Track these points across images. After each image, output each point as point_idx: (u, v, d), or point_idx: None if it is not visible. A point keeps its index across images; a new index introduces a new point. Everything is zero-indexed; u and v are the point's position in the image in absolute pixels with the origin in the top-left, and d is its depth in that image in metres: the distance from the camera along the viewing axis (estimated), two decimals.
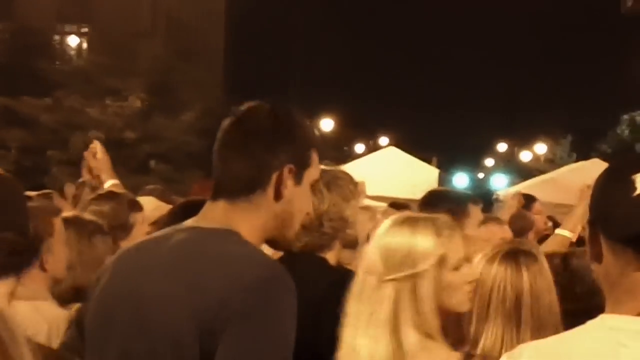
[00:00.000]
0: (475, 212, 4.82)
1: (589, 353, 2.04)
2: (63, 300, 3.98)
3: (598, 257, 2.13)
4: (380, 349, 3.16)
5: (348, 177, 4.28)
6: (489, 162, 59.79)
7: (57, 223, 4.01)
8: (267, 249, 2.77)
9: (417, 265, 3.19)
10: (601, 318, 2.11)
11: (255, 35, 49.02)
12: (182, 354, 2.31)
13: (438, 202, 4.82)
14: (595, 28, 55.83)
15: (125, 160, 28.65)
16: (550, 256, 3.93)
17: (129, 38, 33.53)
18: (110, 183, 6.18)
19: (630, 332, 2.03)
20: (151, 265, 2.48)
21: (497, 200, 15.15)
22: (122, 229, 5.04)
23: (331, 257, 4.07)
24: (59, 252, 3.96)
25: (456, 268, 3.27)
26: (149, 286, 2.43)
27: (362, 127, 50.50)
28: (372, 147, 41.05)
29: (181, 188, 21.89)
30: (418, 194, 5.09)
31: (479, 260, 3.65)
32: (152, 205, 6.50)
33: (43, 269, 3.88)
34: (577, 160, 25.54)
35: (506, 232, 5.65)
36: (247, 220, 2.55)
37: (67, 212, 4.67)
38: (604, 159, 18.04)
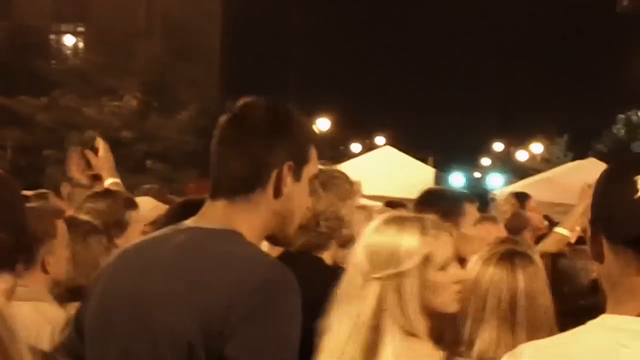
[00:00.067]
0: (471, 211, 4.81)
1: (589, 353, 2.04)
2: (58, 301, 3.98)
3: (599, 257, 2.13)
4: (359, 345, 3.16)
5: (344, 177, 4.28)
6: (486, 161, 59.78)
7: (60, 224, 4.01)
8: (264, 246, 2.77)
9: (402, 264, 3.19)
10: (602, 318, 2.11)
11: (252, 34, 49.00)
12: (185, 355, 2.30)
13: (434, 201, 4.81)
14: (591, 28, 55.85)
15: (121, 160, 28.50)
16: (539, 256, 3.93)
17: (126, 37, 33.55)
18: (110, 181, 6.16)
19: (630, 332, 2.03)
20: (153, 266, 2.46)
21: (493, 199, 15.16)
22: (118, 226, 5.03)
23: (327, 256, 4.07)
24: (60, 254, 3.95)
25: (443, 268, 3.25)
26: (151, 287, 2.42)
27: (358, 126, 50.51)
28: (369, 147, 40.99)
29: (178, 187, 21.92)
30: (414, 193, 5.08)
31: (474, 261, 3.65)
32: (149, 205, 6.49)
33: (44, 270, 3.88)
34: (573, 160, 25.50)
35: (501, 231, 5.66)
36: (247, 220, 2.53)
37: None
38: (600, 159, 18.05)
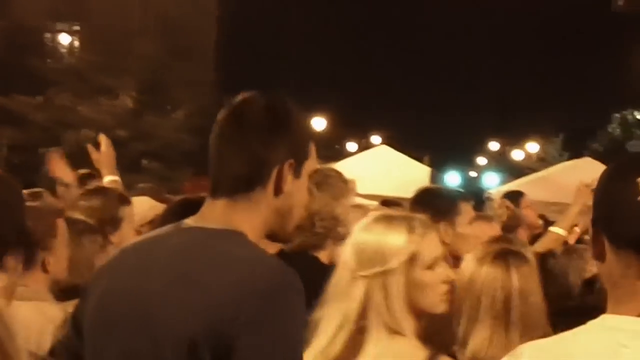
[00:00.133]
0: (467, 210, 4.82)
1: (589, 353, 2.04)
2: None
3: (601, 256, 2.13)
4: (344, 343, 3.17)
5: (338, 175, 4.28)
6: (481, 160, 59.86)
7: (60, 224, 4.00)
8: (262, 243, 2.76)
9: (388, 263, 3.19)
10: (602, 318, 2.11)
11: (247, 33, 48.97)
12: (186, 355, 2.28)
13: (430, 199, 4.82)
14: (586, 27, 55.89)
15: (117, 159, 28.53)
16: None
17: (121, 36, 33.49)
18: (109, 179, 6.15)
19: (630, 333, 2.03)
20: (154, 265, 2.44)
21: (489, 198, 15.16)
22: (112, 223, 5.02)
23: (324, 256, 4.07)
24: (61, 253, 3.95)
25: (430, 267, 3.26)
26: (152, 287, 2.39)
27: (354, 125, 50.51)
28: (364, 146, 40.98)
29: (173, 186, 21.90)
30: (410, 193, 5.08)
31: (468, 260, 3.65)
32: (147, 205, 6.49)
33: (45, 270, 3.87)
34: (569, 159, 25.54)
35: (496, 230, 5.66)
36: (248, 218, 2.51)
37: None
38: (596, 158, 18.08)
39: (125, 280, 2.48)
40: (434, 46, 64.33)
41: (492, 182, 31.76)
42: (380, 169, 15.24)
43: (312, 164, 2.64)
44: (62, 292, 4.02)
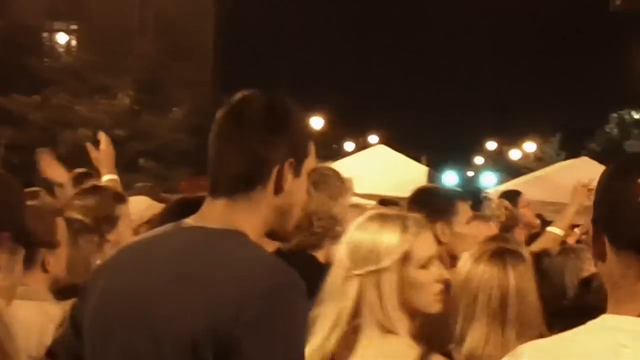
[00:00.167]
0: (464, 209, 4.83)
1: (589, 353, 2.04)
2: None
3: (601, 256, 2.13)
4: (338, 341, 3.17)
5: (335, 174, 4.28)
6: (479, 160, 59.94)
7: (60, 223, 4.00)
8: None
9: (381, 261, 3.20)
10: (602, 318, 2.11)
11: (245, 33, 48.94)
12: (188, 356, 2.27)
13: (427, 199, 4.83)
14: (584, 27, 55.90)
15: (115, 158, 28.50)
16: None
17: (119, 36, 33.43)
18: (107, 177, 6.14)
19: (631, 333, 2.03)
20: (156, 265, 2.43)
21: (486, 198, 15.15)
22: (108, 222, 5.01)
23: (321, 255, 4.07)
24: (61, 253, 3.95)
25: (424, 266, 3.26)
26: (155, 287, 2.38)
27: (351, 125, 50.51)
28: (362, 145, 40.99)
29: (171, 185, 21.90)
30: (407, 192, 5.08)
31: (465, 258, 3.66)
32: (144, 204, 6.48)
33: (44, 269, 3.87)
34: (566, 159, 25.52)
35: (492, 230, 5.67)
36: (248, 218, 2.50)
37: None
38: (593, 158, 18.06)
39: (126, 279, 2.47)
40: (431, 46, 64.33)
41: (490, 182, 31.82)
42: (377, 169, 15.23)
43: (311, 162, 2.63)
44: (60, 292, 4.02)
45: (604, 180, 2.17)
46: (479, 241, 3.84)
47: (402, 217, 3.33)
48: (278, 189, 2.52)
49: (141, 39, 33.82)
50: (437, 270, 3.30)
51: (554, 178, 14.42)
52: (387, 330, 3.16)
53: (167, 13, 36.53)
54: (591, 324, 2.10)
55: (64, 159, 6.82)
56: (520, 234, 7.77)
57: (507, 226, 7.28)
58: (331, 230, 4.06)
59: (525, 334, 3.50)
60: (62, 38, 39.23)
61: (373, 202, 9.22)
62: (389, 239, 3.23)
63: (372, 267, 3.20)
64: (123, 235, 5.03)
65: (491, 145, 59.05)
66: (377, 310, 3.16)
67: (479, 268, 3.58)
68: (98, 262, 4.21)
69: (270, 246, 3.52)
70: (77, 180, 6.90)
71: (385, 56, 66.80)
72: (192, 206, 2.60)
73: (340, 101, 46.15)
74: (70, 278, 4.05)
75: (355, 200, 6.36)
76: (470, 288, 3.56)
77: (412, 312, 3.24)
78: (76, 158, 8.04)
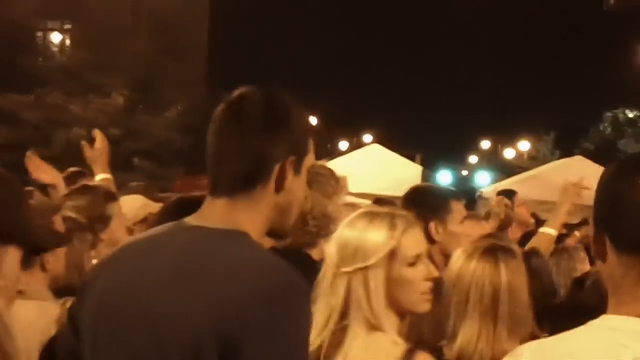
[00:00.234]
0: (458, 208, 4.83)
1: (590, 353, 2.04)
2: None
3: (602, 256, 2.13)
4: (327, 338, 3.18)
5: (329, 173, 4.28)
6: (473, 159, 59.99)
7: (58, 221, 3.99)
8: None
9: (368, 259, 3.21)
10: (602, 318, 2.11)
11: (239, 32, 48.93)
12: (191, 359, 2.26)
13: (421, 198, 4.83)
14: (578, 25, 55.95)
15: (109, 157, 28.48)
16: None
17: (112, 35, 33.37)
18: (101, 177, 6.11)
19: (631, 333, 2.03)
20: (159, 266, 2.40)
21: (480, 197, 15.19)
22: (101, 221, 4.99)
23: (315, 254, 4.08)
24: (60, 252, 3.94)
25: (411, 264, 3.26)
26: (159, 289, 2.36)
27: (345, 124, 50.58)
28: (356, 145, 41.03)
29: (165, 185, 21.88)
30: (402, 191, 5.09)
31: (458, 255, 3.67)
32: (139, 203, 6.48)
33: (43, 268, 3.86)
34: (560, 158, 25.57)
35: (485, 229, 5.69)
36: (250, 217, 2.48)
37: None
38: (587, 156, 18.13)
39: (128, 279, 2.45)
40: (427, 45, 64.37)
41: (484, 181, 31.81)
42: (372, 168, 15.25)
43: (310, 159, 2.61)
44: (59, 291, 4.02)
45: (605, 180, 2.16)
46: (472, 240, 3.85)
47: (391, 215, 3.33)
48: (279, 187, 2.51)
49: (135, 38, 33.74)
50: (424, 268, 3.30)
51: (548, 177, 14.46)
52: (374, 327, 3.17)
53: (161, 12, 36.45)
54: (591, 324, 2.10)
55: (57, 158, 6.80)
56: (515, 233, 7.79)
57: (502, 225, 7.30)
58: (325, 228, 4.06)
59: (517, 331, 3.51)
60: (56, 37, 39.17)
61: (368, 202, 9.23)
62: (376, 236, 3.25)
63: (359, 265, 3.21)
64: (117, 233, 5.02)
65: (485, 144, 59.12)
66: (364, 307, 3.17)
67: (471, 265, 3.59)
68: (94, 261, 4.22)
69: (266, 244, 3.52)
70: (70, 179, 6.89)
71: (380, 55, 66.82)
72: (190, 205, 2.58)
73: (334, 100, 46.19)
74: (63, 276, 4.05)
75: (350, 199, 6.36)
76: (462, 284, 3.58)
77: (400, 310, 3.24)
78: (70, 157, 8.02)
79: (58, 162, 7.15)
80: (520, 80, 60.46)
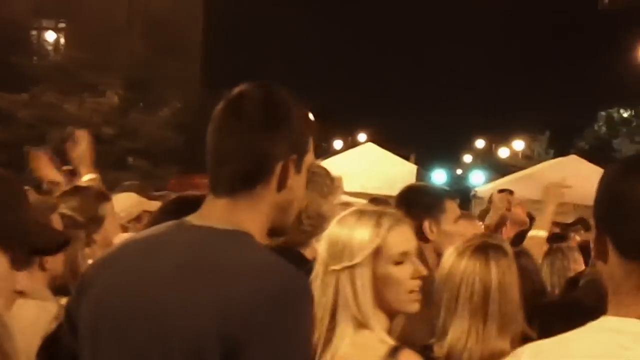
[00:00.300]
0: (452, 208, 4.83)
1: (590, 354, 2.03)
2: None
3: (603, 257, 2.11)
4: (318, 336, 3.18)
5: (325, 172, 4.29)
6: (467, 158, 59.97)
7: (56, 219, 3.98)
8: None
9: (354, 257, 3.22)
10: (602, 320, 2.10)
11: (234, 30, 48.91)
12: None
13: (415, 197, 4.84)
14: (572, 25, 55.97)
15: (103, 156, 28.47)
16: None
17: (107, 33, 33.34)
18: (88, 177, 6.13)
19: (632, 335, 2.02)
20: (163, 266, 2.38)
21: (475, 196, 15.21)
22: (94, 222, 4.97)
23: (308, 253, 4.08)
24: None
25: (397, 262, 3.26)
26: (164, 290, 2.34)
27: (340, 123, 50.54)
28: (351, 144, 41.04)
29: (160, 184, 21.84)
30: (396, 190, 5.09)
31: (449, 253, 3.68)
32: (132, 201, 6.48)
33: (43, 268, 3.85)
34: (554, 157, 25.62)
35: (477, 228, 5.71)
36: (252, 217, 2.47)
37: None
38: (582, 156, 18.17)
39: (129, 277, 2.43)
40: (421, 45, 64.39)
41: (478, 180, 31.87)
42: (366, 167, 15.27)
43: (310, 158, 2.59)
44: (57, 289, 4.02)
45: (608, 181, 2.14)
46: (465, 239, 3.86)
47: (378, 213, 3.33)
48: (281, 186, 2.49)
49: (129, 37, 33.73)
50: (412, 266, 3.29)
51: (542, 176, 14.45)
52: (361, 325, 3.17)
53: (155, 11, 36.45)
54: (591, 325, 2.10)
55: (51, 157, 6.78)
56: (509, 232, 7.80)
57: (497, 224, 7.30)
58: (319, 228, 4.06)
59: (507, 329, 3.52)
60: (50, 36, 39.15)
61: (364, 201, 9.24)
62: (362, 234, 3.25)
63: (346, 263, 3.22)
64: (110, 233, 5.01)
65: (480, 143, 59.13)
66: (351, 305, 3.18)
67: (462, 263, 3.60)
68: (89, 261, 4.21)
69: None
70: (69, 178, 6.88)
71: (375, 55, 66.84)
72: (189, 205, 2.57)
73: (329, 99, 46.20)
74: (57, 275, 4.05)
75: (345, 198, 6.37)
76: (452, 282, 3.59)
77: (389, 309, 3.25)
78: (64, 156, 7.99)
79: (52, 161, 7.13)
80: (514, 80, 60.53)
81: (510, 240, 6.85)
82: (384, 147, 17.34)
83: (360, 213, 3.33)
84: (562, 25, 58.23)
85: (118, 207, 5.46)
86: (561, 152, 30.31)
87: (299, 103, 2.59)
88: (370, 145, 18.30)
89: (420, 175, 16.59)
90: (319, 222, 4.10)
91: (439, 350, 3.54)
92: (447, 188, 5.79)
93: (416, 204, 4.67)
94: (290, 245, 4.04)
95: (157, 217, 3.49)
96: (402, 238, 3.29)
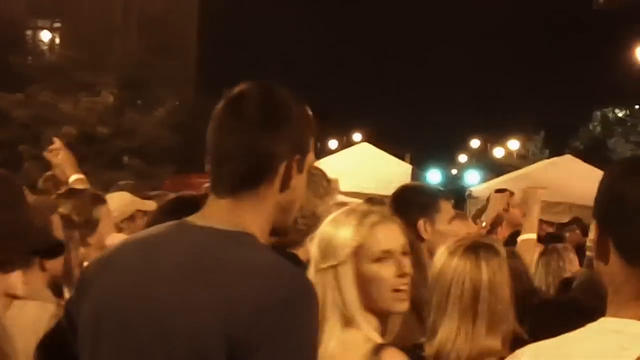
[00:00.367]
0: (447, 208, 4.84)
1: (590, 355, 2.03)
2: None
3: (604, 257, 2.10)
4: None
5: (322, 174, 4.29)
6: (462, 158, 60.02)
7: (56, 220, 3.97)
8: None
9: (338, 256, 3.24)
10: (601, 321, 2.10)
11: (229, 30, 48.88)
12: None
13: (410, 196, 4.85)
14: (567, 25, 55.99)
15: (98, 156, 28.50)
16: None
17: (102, 33, 33.31)
18: (75, 177, 6.15)
19: (631, 336, 2.02)
20: (168, 266, 2.36)
21: (470, 196, 15.20)
22: (88, 225, 4.94)
23: (301, 253, 4.08)
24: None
25: (378, 259, 3.26)
26: (170, 290, 2.32)
27: (335, 123, 50.53)
28: (346, 143, 41.06)
29: (155, 183, 21.83)
30: (391, 190, 5.10)
31: (441, 252, 3.69)
32: (126, 201, 6.47)
33: (43, 268, 3.84)
34: (549, 157, 25.63)
35: (471, 228, 5.72)
36: (255, 217, 2.44)
37: None
38: (576, 155, 18.20)
39: (132, 277, 2.41)
40: (416, 44, 64.38)
41: (473, 180, 31.84)
42: (361, 167, 15.26)
43: (312, 157, 2.59)
44: (56, 290, 4.02)
45: (609, 181, 2.13)
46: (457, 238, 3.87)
47: (363, 212, 3.35)
48: (285, 187, 2.47)
49: (125, 36, 33.72)
50: (393, 264, 3.29)
51: (537, 176, 14.47)
52: (348, 323, 3.18)
53: (150, 11, 36.41)
54: (590, 327, 2.09)
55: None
56: (504, 232, 7.79)
57: (493, 224, 7.30)
58: (313, 227, 4.07)
59: (497, 328, 3.53)
60: (45, 35, 39.12)
61: (359, 200, 9.24)
62: (344, 233, 3.27)
63: (331, 262, 3.25)
64: (105, 237, 5.00)
65: (475, 143, 59.19)
66: (338, 303, 3.20)
67: (452, 262, 3.61)
68: (85, 263, 4.21)
69: None
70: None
71: (369, 54, 66.82)
72: (188, 204, 2.56)
73: (323, 98, 46.18)
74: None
75: (341, 198, 6.38)
76: (443, 281, 3.60)
77: (375, 309, 3.25)
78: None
79: (47, 161, 7.14)
80: (509, 80, 60.49)
81: (504, 240, 6.87)
82: (379, 146, 17.33)
83: (348, 212, 3.36)
84: (557, 25, 58.26)
85: (112, 207, 5.44)
86: (556, 151, 30.33)
87: (300, 102, 2.57)
88: (366, 145, 18.29)
89: (415, 175, 16.57)
90: (313, 222, 4.10)
91: (430, 349, 3.56)
92: (441, 188, 5.80)
93: (411, 203, 4.69)
94: (284, 245, 4.04)
95: (156, 217, 3.49)
96: (385, 236, 3.29)
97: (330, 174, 4.46)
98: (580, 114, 45.17)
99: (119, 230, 5.99)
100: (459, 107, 62.37)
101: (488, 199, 8.04)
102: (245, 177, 2.44)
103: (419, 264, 3.97)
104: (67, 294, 4.15)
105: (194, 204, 2.52)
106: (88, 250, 4.73)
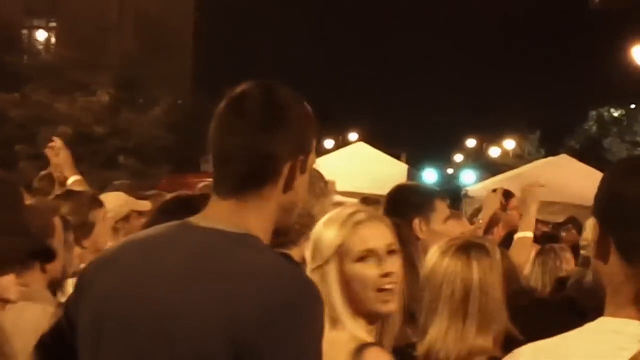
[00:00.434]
0: (442, 207, 4.85)
1: (589, 355, 2.03)
2: None
3: (604, 257, 2.09)
4: None
5: (318, 175, 4.29)
6: (458, 157, 60.01)
7: (57, 222, 3.96)
8: None
9: (323, 256, 3.27)
10: (600, 321, 2.09)
11: (225, 29, 48.90)
12: None
13: (405, 195, 4.86)
14: (563, 24, 56.07)
15: (93, 155, 28.49)
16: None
17: (98, 32, 33.37)
18: (73, 179, 6.16)
19: (630, 336, 2.01)
20: (171, 267, 2.34)
21: (465, 195, 15.21)
22: (84, 228, 4.91)
23: (295, 252, 4.08)
24: (58, 252, 3.90)
25: (360, 259, 3.27)
26: (174, 291, 2.30)
27: (331, 122, 50.54)
28: (342, 143, 41.04)
29: (150, 183, 21.83)
30: (387, 190, 5.10)
31: (433, 252, 3.69)
32: (121, 201, 6.45)
33: (43, 270, 3.83)
34: (545, 156, 25.64)
35: (466, 228, 5.72)
36: (258, 219, 2.42)
37: None
38: (572, 155, 18.20)
39: (133, 278, 2.39)
40: (412, 44, 64.41)
41: (469, 179, 31.85)
42: (357, 166, 15.25)
43: (313, 157, 2.56)
44: (55, 291, 4.02)
45: (610, 181, 2.12)
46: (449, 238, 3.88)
47: (351, 212, 3.36)
48: (288, 187, 2.45)
49: (120, 35, 33.76)
50: (376, 264, 3.28)
51: (533, 175, 14.45)
52: (335, 323, 3.19)
53: (146, 10, 36.45)
54: (589, 327, 2.09)
55: (43, 156, 6.77)
56: (500, 232, 7.79)
57: (489, 224, 7.29)
58: (308, 227, 4.07)
59: (489, 328, 3.53)
60: (41, 35, 39.13)
61: (355, 200, 9.24)
62: (329, 233, 3.29)
63: (319, 262, 3.27)
64: (100, 240, 4.99)
65: (471, 142, 59.18)
66: (325, 303, 3.20)
67: (444, 261, 3.61)
68: (81, 265, 4.20)
69: None
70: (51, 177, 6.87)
71: (365, 54, 66.86)
72: (187, 205, 2.55)
73: (319, 98, 46.23)
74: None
75: (337, 198, 6.38)
76: (434, 280, 3.60)
77: (362, 308, 3.26)
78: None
79: (43, 160, 7.13)
80: (505, 79, 60.61)
81: (500, 240, 6.86)
82: (375, 146, 17.32)
83: (338, 212, 3.37)
84: (553, 25, 58.33)
85: (107, 207, 5.43)
86: (552, 151, 30.34)
87: (302, 102, 2.55)
88: (361, 144, 18.27)
89: (411, 175, 16.57)
90: (308, 222, 4.09)
91: (420, 348, 3.56)
92: (437, 188, 5.81)
93: (406, 202, 4.69)
94: (277, 245, 4.04)
95: (155, 217, 3.47)
96: (368, 234, 3.29)
97: (326, 174, 4.46)
98: (576, 113, 45.25)
99: (116, 230, 5.99)
100: (455, 107, 62.50)
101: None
102: (247, 177, 2.41)
103: (412, 264, 3.97)
104: (59, 297, 4.13)
105: (193, 204, 2.51)
106: (83, 253, 4.73)
